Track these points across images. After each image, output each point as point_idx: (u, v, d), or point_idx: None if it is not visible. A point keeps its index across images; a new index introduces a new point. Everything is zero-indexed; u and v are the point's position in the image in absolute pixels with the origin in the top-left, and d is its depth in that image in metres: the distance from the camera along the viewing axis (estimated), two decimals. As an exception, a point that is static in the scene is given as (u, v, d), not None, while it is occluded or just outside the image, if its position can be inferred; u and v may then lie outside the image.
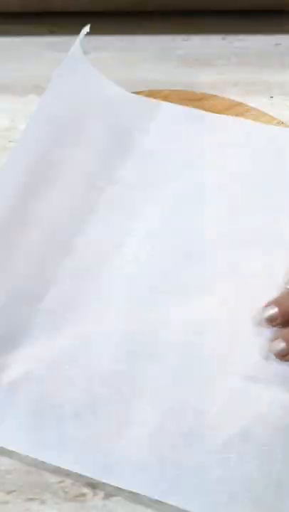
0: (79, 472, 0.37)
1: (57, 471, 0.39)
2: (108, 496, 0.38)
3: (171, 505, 0.37)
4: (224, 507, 0.34)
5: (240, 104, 0.50)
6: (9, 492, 0.39)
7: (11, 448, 0.38)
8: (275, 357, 0.39)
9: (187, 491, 0.35)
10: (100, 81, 0.48)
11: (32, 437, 0.38)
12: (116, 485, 0.37)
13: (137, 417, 0.38)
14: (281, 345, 0.38)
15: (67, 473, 0.39)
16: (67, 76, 0.47)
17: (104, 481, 0.37)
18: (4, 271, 0.42)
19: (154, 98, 0.51)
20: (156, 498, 0.35)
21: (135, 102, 0.50)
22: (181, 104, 0.50)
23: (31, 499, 0.39)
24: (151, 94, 0.52)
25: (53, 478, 0.39)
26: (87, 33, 0.55)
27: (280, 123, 0.49)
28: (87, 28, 0.47)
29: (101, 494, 0.38)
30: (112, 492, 0.38)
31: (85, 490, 0.38)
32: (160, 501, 0.38)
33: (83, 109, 0.47)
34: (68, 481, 0.39)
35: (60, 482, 0.39)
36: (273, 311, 0.39)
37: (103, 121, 0.48)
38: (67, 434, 0.38)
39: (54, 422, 0.38)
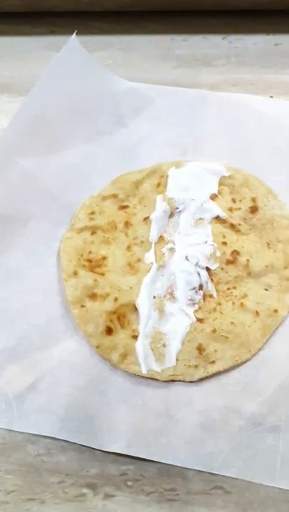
0: (133, 455, 0.38)
1: (57, 471, 0.39)
2: (108, 496, 0.38)
3: (172, 505, 0.38)
4: (279, 472, 0.36)
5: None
6: (9, 492, 0.39)
7: (61, 438, 0.38)
8: None
9: (243, 462, 0.37)
10: (97, 67, 0.51)
11: (82, 427, 0.39)
12: (173, 463, 0.37)
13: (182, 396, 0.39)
14: None
15: (67, 473, 0.39)
16: (64, 59, 0.49)
17: (160, 460, 0.37)
18: None
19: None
20: (214, 472, 0.37)
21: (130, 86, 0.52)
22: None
23: (31, 499, 0.38)
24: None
25: (53, 478, 0.39)
26: (88, 33, 0.55)
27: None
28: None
29: (101, 494, 0.38)
30: (111, 492, 0.38)
31: (85, 490, 0.38)
32: (159, 501, 0.38)
33: (79, 88, 0.50)
34: (68, 481, 0.39)
35: (60, 482, 0.39)
36: None
37: (98, 101, 0.51)
38: (116, 419, 0.39)
39: (102, 409, 0.39)
